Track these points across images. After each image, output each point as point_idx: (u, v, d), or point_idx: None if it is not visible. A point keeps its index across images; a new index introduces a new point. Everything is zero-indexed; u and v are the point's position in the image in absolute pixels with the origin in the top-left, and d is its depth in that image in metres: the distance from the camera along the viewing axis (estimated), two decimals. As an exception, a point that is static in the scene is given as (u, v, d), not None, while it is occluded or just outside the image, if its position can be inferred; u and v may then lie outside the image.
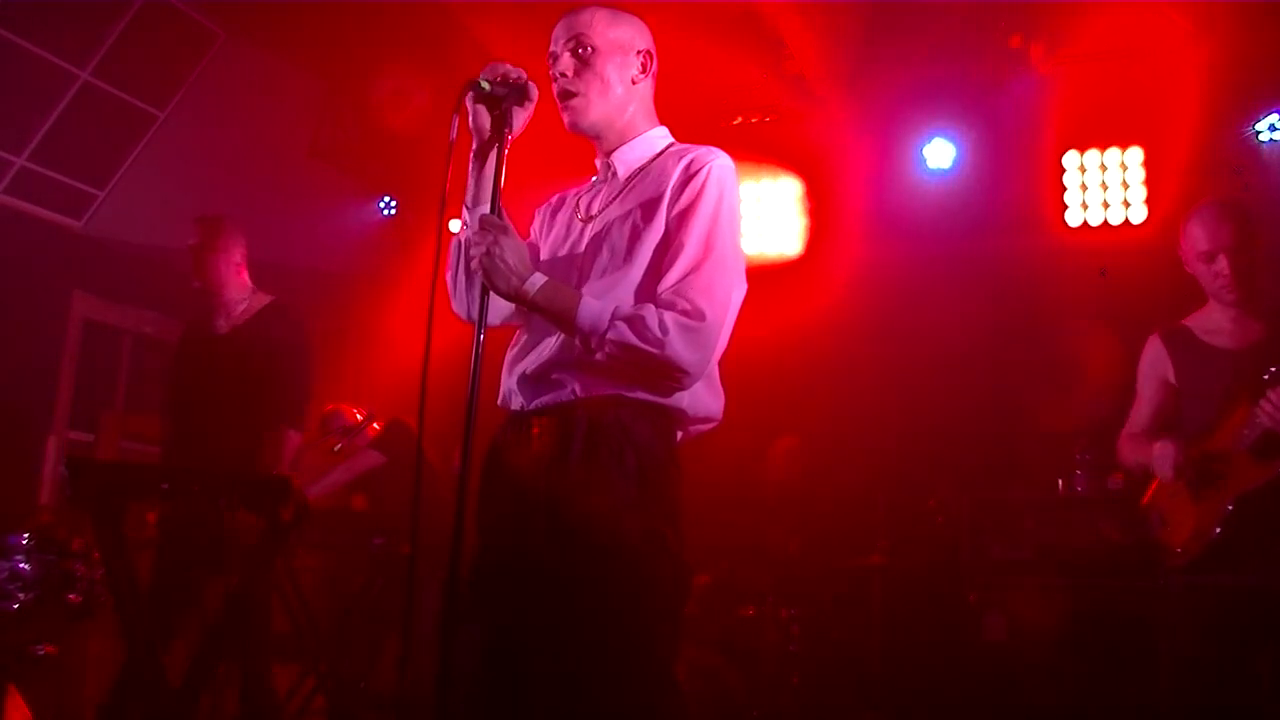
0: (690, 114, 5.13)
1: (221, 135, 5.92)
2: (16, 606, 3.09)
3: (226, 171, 6.01)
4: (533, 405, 2.00)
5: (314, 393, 4.17)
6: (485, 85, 2.00)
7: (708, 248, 1.97)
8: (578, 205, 2.19)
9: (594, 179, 2.23)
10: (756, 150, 5.46)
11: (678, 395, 1.97)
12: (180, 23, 5.40)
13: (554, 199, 2.31)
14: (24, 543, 3.15)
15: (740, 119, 5.32)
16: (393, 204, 6.52)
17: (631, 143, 2.15)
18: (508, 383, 2.08)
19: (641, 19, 2.20)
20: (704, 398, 2.02)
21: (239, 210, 6.13)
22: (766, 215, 5.73)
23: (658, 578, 1.90)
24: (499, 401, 2.10)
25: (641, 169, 2.12)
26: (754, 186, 5.71)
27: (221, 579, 3.74)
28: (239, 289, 4.11)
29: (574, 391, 1.95)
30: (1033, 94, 5.00)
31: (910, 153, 5.33)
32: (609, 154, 2.16)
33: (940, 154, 5.26)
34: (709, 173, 2.02)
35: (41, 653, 3.17)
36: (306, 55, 5.89)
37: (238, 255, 4.11)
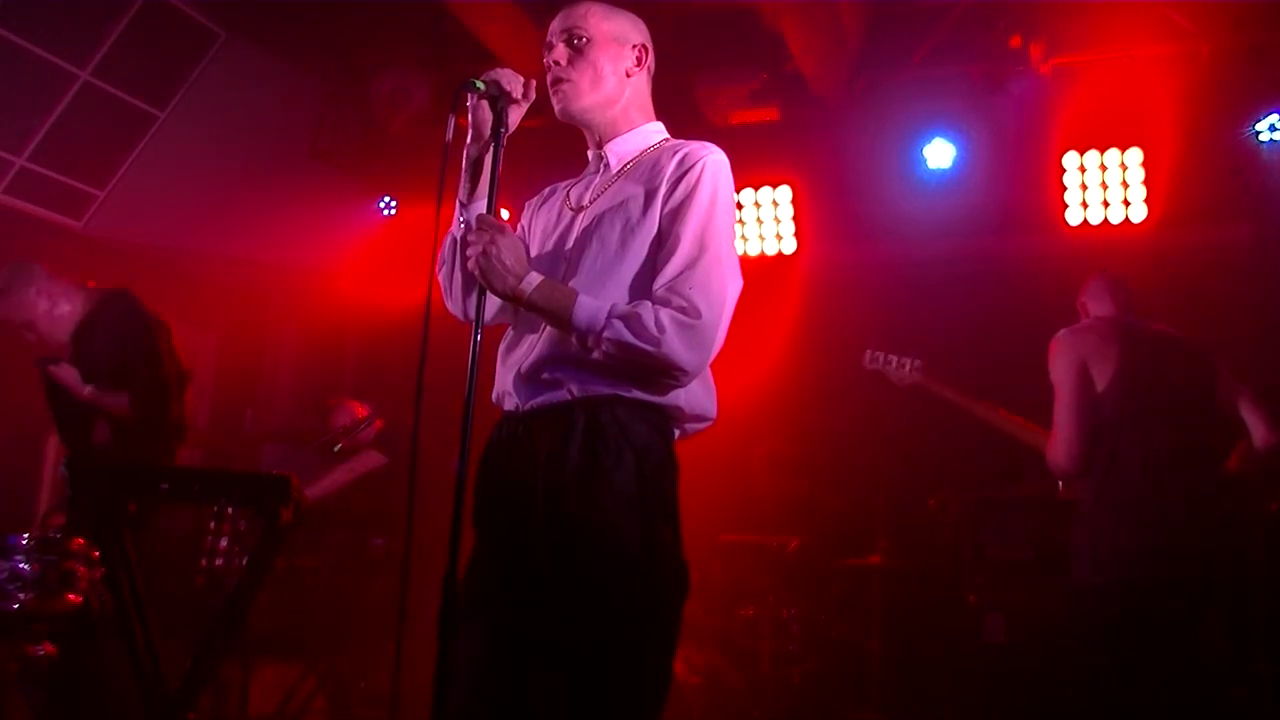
0: (689, 113, 5.14)
1: (221, 135, 5.93)
2: (16, 606, 3.09)
3: (227, 171, 6.02)
4: (529, 405, 1.99)
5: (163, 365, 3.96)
6: (480, 85, 2.00)
7: (703, 244, 1.96)
8: (568, 196, 2.19)
9: (585, 171, 2.23)
10: (755, 150, 5.46)
11: (674, 393, 1.96)
12: (180, 23, 5.41)
13: (544, 191, 2.30)
14: (24, 543, 3.15)
15: (739, 119, 5.31)
16: (393, 204, 6.52)
17: (625, 135, 2.15)
18: (502, 382, 2.07)
19: (639, 16, 2.20)
20: (699, 396, 2.02)
21: (239, 210, 6.18)
22: (765, 215, 5.73)
23: (656, 577, 1.90)
24: (493, 400, 2.10)
25: (634, 161, 2.12)
26: (752, 189, 5.71)
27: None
28: (63, 311, 4.00)
29: (571, 391, 1.94)
30: (1033, 94, 5.00)
31: (910, 153, 5.33)
32: (601, 145, 2.16)
33: (940, 154, 5.26)
34: (703, 167, 2.02)
35: (41, 653, 3.17)
36: (306, 55, 5.89)
37: (35, 288, 3.97)
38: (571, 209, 2.14)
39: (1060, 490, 4.59)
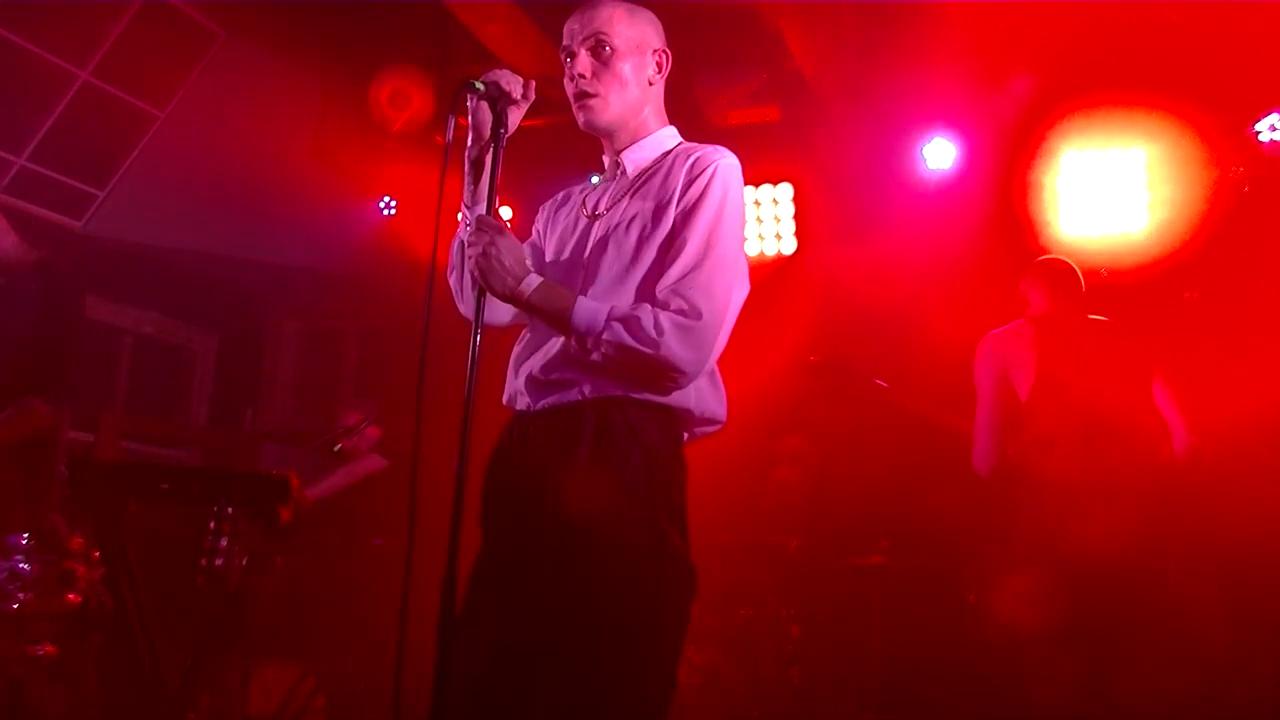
0: (690, 113, 5.14)
1: (221, 135, 5.93)
2: (16, 606, 3.09)
3: (226, 171, 6.02)
4: (539, 406, 1.99)
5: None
6: (480, 85, 2.00)
7: (709, 246, 1.96)
8: (584, 202, 2.19)
9: (601, 176, 2.23)
10: (756, 150, 5.44)
11: (682, 395, 1.96)
12: (180, 23, 5.41)
13: (559, 195, 2.31)
14: (24, 543, 3.16)
15: (739, 119, 5.31)
16: (393, 204, 6.53)
17: (642, 142, 2.15)
18: (514, 383, 2.08)
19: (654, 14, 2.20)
20: (709, 398, 2.02)
21: (239, 210, 6.17)
22: (765, 216, 5.73)
23: (664, 579, 1.90)
24: (504, 401, 2.10)
25: (650, 168, 2.12)
26: (753, 187, 5.71)
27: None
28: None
29: (581, 392, 1.94)
30: (1033, 94, 5.00)
31: (910, 153, 5.33)
32: (619, 153, 2.15)
33: (940, 154, 5.26)
34: (714, 172, 2.02)
35: (41, 653, 3.18)
36: (306, 55, 5.90)
37: None
38: (588, 216, 2.14)
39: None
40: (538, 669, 1.88)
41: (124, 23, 5.21)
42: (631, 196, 2.08)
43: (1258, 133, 4.72)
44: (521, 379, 2.04)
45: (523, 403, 2.03)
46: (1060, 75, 4.99)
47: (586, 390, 1.94)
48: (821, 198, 5.67)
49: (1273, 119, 4.69)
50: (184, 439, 6.89)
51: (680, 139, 2.20)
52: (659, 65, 2.16)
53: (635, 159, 2.14)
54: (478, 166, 2.10)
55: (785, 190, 5.67)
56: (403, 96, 5.55)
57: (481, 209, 2.03)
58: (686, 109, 5.07)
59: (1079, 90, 5.00)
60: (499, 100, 2.01)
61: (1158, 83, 4.84)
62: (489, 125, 2.03)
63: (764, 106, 5.27)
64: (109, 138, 5.67)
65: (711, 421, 2.04)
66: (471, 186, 2.11)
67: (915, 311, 5.43)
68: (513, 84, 2.03)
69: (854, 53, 5.22)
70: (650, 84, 2.15)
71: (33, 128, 5.36)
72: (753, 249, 5.72)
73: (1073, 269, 3.68)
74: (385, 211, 6.54)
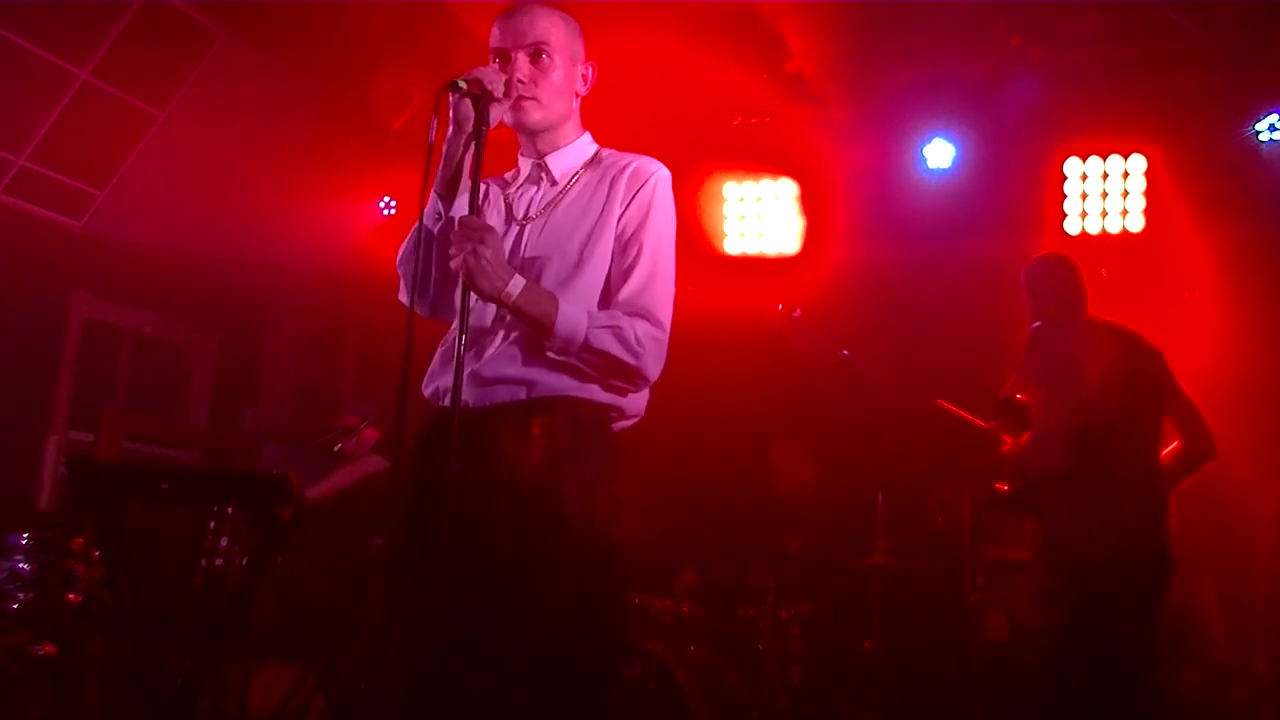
0: (691, 114, 5.14)
1: (221, 135, 5.92)
2: (16, 606, 3.09)
3: (226, 171, 6.02)
4: (482, 404, 2.01)
5: None
6: (462, 85, 2.02)
7: (658, 259, 2.07)
8: (509, 205, 2.21)
9: (515, 174, 2.25)
10: (756, 150, 5.45)
11: (627, 396, 2.06)
12: (180, 23, 5.40)
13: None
14: (24, 543, 3.16)
15: (740, 119, 5.30)
16: (393, 204, 6.52)
17: (565, 149, 2.19)
18: (441, 378, 2.08)
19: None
20: (642, 397, 2.12)
21: (239, 210, 6.17)
22: (766, 215, 5.72)
23: (602, 574, 1.96)
24: (426, 394, 2.11)
25: (577, 174, 2.17)
26: (754, 186, 5.70)
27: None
28: None
29: (526, 391, 1.99)
30: (1033, 94, 5.00)
31: (910, 153, 5.33)
32: (542, 156, 2.18)
33: (940, 154, 5.26)
34: (655, 184, 2.11)
35: (41, 653, 3.18)
36: (306, 55, 5.89)
37: None
38: (519, 221, 2.16)
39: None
40: (483, 666, 1.92)
41: (124, 23, 5.21)
42: (566, 203, 2.13)
43: (1258, 133, 4.72)
44: (464, 375, 2.04)
45: (447, 400, 2.03)
46: (1060, 75, 4.99)
47: (531, 390, 1.99)
48: (821, 198, 5.67)
49: (1272, 119, 4.69)
50: (184, 439, 6.89)
51: (596, 144, 2.24)
52: (584, 78, 2.22)
53: (561, 166, 2.18)
54: (451, 158, 2.12)
55: (785, 190, 5.66)
56: (403, 96, 5.55)
57: (463, 203, 2.06)
58: (687, 109, 5.06)
59: (1079, 90, 5.00)
60: (482, 98, 2.03)
61: (1158, 82, 4.84)
62: (470, 121, 2.05)
63: (764, 106, 5.26)
64: (109, 138, 5.67)
65: (636, 417, 2.14)
66: (445, 175, 2.14)
67: (915, 311, 5.44)
68: (495, 82, 2.05)
69: (854, 53, 5.21)
70: (577, 95, 2.21)
71: (33, 128, 5.36)
72: (752, 248, 5.72)
73: (1074, 265, 3.68)
74: (385, 211, 6.53)
